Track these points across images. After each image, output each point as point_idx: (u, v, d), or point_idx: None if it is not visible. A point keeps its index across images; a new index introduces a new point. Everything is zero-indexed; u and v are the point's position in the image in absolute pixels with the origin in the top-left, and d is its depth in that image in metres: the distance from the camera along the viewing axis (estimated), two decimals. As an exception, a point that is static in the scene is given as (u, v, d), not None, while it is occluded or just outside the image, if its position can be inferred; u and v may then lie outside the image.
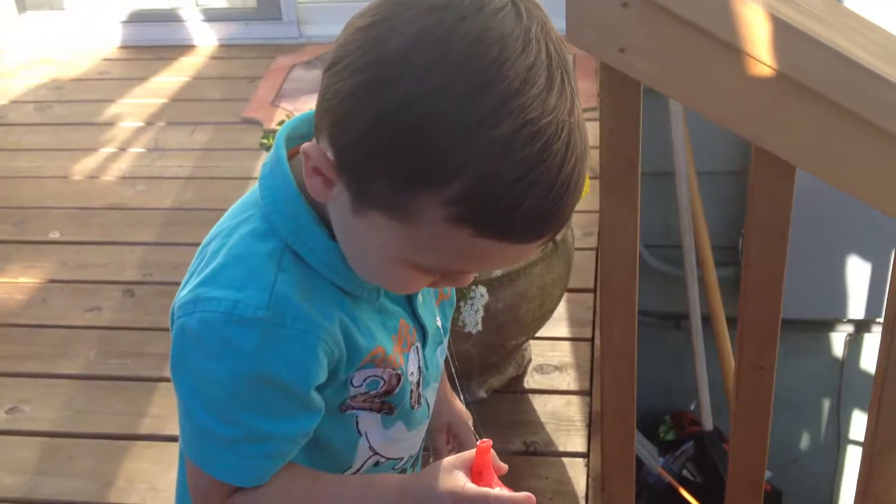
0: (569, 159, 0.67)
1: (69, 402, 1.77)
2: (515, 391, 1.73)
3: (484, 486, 0.78)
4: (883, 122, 1.03)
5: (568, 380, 1.75)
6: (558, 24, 1.00)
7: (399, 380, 0.86)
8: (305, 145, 0.74)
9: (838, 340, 2.76)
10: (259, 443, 0.79)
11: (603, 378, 1.34)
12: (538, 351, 1.81)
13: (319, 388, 0.81)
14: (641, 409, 1.54)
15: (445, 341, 0.95)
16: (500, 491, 0.78)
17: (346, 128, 0.69)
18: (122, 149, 2.62)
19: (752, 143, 1.10)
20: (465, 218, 0.67)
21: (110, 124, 2.75)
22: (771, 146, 1.07)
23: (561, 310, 1.82)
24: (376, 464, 0.91)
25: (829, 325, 2.73)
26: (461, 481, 0.78)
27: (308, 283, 0.78)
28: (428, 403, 0.94)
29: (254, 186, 0.82)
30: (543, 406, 1.70)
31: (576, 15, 1.04)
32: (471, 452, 0.81)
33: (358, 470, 0.90)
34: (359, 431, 0.87)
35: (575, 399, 1.71)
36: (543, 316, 1.66)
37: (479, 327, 1.49)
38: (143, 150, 2.62)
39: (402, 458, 0.94)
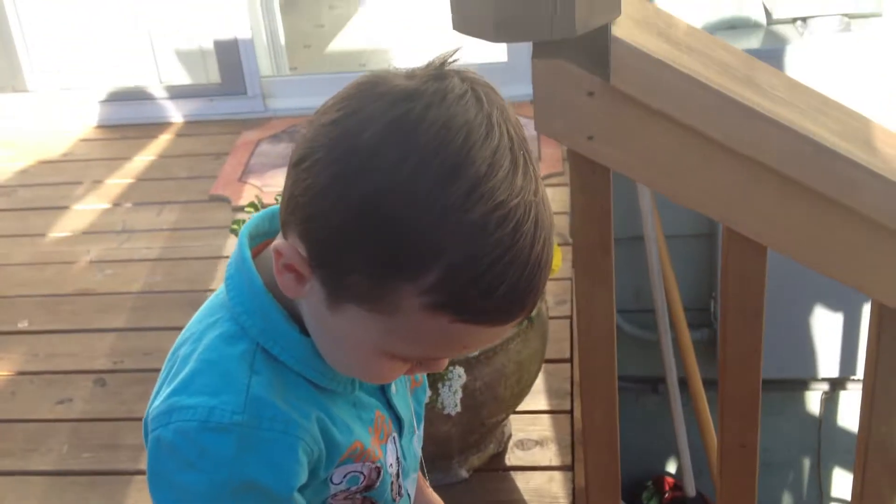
0: (538, 238, 0.69)
1: (44, 500, 1.73)
2: (497, 469, 1.72)
3: None
4: (848, 199, 1.04)
5: (549, 455, 1.74)
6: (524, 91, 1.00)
7: (379, 473, 0.85)
8: (276, 243, 0.74)
9: (814, 399, 2.77)
10: None
11: (586, 457, 1.33)
12: (518, 426, 1.80)
13: (300, 490, 0.79)
14: (623, 475, 1.53)
15: (419, 430, 0.94)
16: None
17: (321, 223, 0.70)
18: (90, 232, 2.60)
19: (723, 224, 1.11)
20: (444, 304, 0.68)
21: (76, 207, 2.73)
22: (741, 228, 1.09)
23: (539, 382, 1.81)
24: None
25: (804, 384, 2.74)
26: None
27: (282, 383, 0.77)
28: (409, 494, 0.93)
29: (219, 288, 0.82)
30: (526, 483, 1.68)
31: (543, 104, 1.05)
32: None
33: None
34: None
35: (557, 475, 1.70)
36: (522, 391, 1.65)
37: (458, 408, 1.48)
38: (111, 232, 2.60)
39: None
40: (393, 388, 0.88)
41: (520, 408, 1.71)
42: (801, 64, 2.34)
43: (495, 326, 0.71)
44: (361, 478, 0.84)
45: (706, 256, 2.63)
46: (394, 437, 0.88)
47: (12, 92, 3.34)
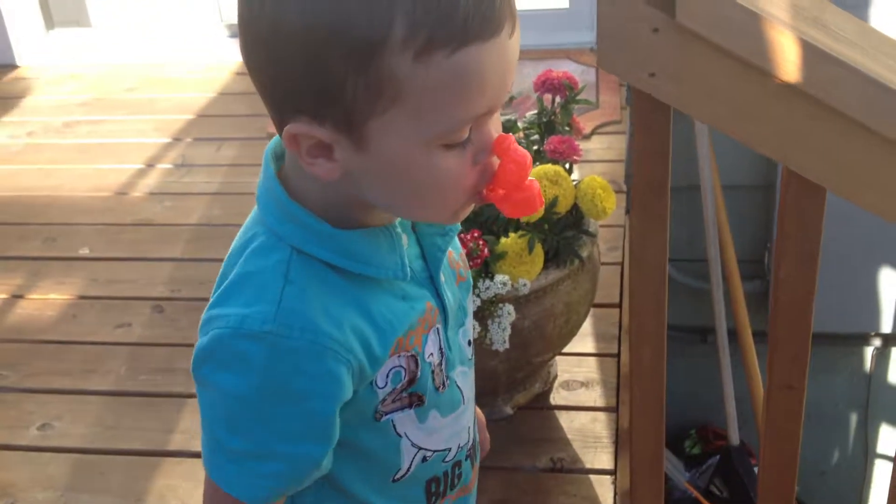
0: None
1: (100, 419, 1.79)
2: (542, 408, 1.74)
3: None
4: (914, 144, 1.03)
5: (594, 396, 1.76)
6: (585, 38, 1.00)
7: (417, 362, 0.85)
8: (285, 135, 0.75)
9: (865, 354, 2.75)
10: (265, 460, 0.80)
11: (633, 398, 1.34)
12: (564, 367, 1.81)
13: (348, 402, 0.81)
14: (668, 422, 1.54)
15: (468, 322, 0.95)
16: None
17: (289, 83, 0.72)
18: (150, 165, 2.66)
19: (782, 164, 1.10)
20: (428, 42, 0.68)
21: (138, 140, 2.78)
22: (800, 168, 1.08)
23: (587, 326, 1.82)
24: (423, 459, 0.91)
25: (857, 339, 2.72)
26: None
27: (319, 287, 0.78)
28: (458, 387, 0.93)
29: (254, 208, 0.84)
30: (570, 423, 1.70)
31: (607, 41, 1.04)
32: None
33: (408, 469, 0.90)
34: (398, 434, 0.87)
35: (601, 416, 1.71)
36: (570, 332, 1.66)
37: (506, 345, 1.50)
38: (170, 166, 2.65)
39: (449, 450, 0.93)
40: (442, 276, 0.88)
41: (567, 349, 1.73)
42: (878, 13, 2.29)
43: (492, 39, 0.70)
44: (403, 372, 0.84)
45: (762, 208, 2.60)
46: (437, 329, 0.88)
47: (76, 26, 3.39)
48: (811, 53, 0.99)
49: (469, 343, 0.96)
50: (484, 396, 1.63)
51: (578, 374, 1.81)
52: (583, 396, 1.76)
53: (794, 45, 0.99)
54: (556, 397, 1.76)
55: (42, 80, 3.19)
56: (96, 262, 2.25)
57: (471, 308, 0.97)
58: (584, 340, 1.85)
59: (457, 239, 0.95)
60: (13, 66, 3.26)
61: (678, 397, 2.40)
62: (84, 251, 2.29)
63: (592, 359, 1.85)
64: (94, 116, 2.94)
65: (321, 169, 0.75)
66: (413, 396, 0.86)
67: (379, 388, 0.83)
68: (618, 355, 1.84)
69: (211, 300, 0.80)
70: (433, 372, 0.88)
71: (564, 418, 1.72)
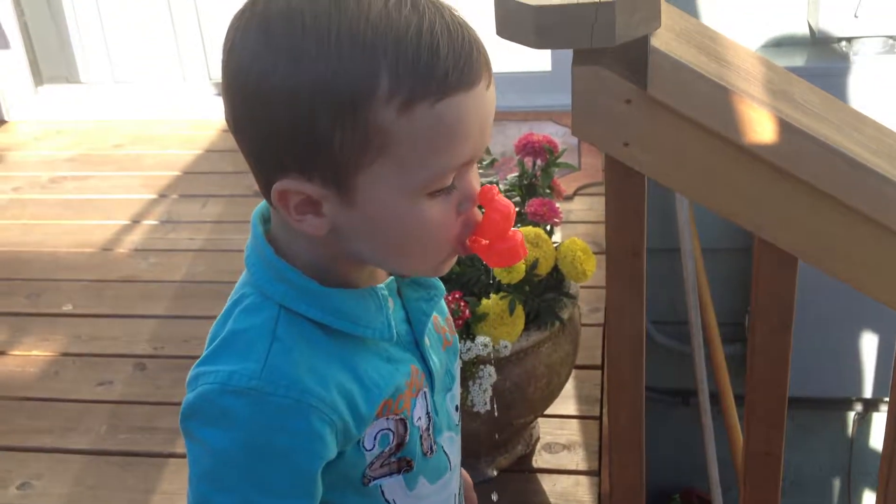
0: (439, 6, 0.74)
1: (80, 478, 1.77)
2: (524, 470, 1.74)
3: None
4: (880, 215, 1.05)
5: (576, 459, 1.76)
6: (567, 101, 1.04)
7: (405, 426, 0.86)
8: (274, 193, 0.76)
9: (847, 419, 2.76)
10: None
11: (612, 461, 1.35)
12: (546, 429, 1.82)
13: (336, 463, 0.81)
14: (651, 486, 1.54)
15: (454, 389, 0.96)
16: None
17: (276, 141, 0.74)
18: (136, 221, 2.67)
19: (755, 234, 1.12)
20: (410, 93, 0.72)
21: (124, 197, 2.80)
22: (772, 237, 1.10)
23: (569, 387, 1.83)
24: None
25: (838, 404, 2.73)
26: None
27: (306, 346, 0.79)
28: (445, 452, 0.93)
29: (244, 272, 0.85)
30: (552, 486, 1.70)
31: (581, 110, 1.07)
32: None
33: None
34: (386, 500, 0.87)
35: (584, 479, 1.71)
36: (551, 394, 1.67)
37: (487, 406, 1.50)
38: (155, 222, 2.66)
39: None
40: (427, 340, 0.89)
41: (549, 411, 1.73)
42: (845, 84, 2.34)
43: (471, 90, 0.74)
44: (392, 435, 0.85)
45: (743, 271, 2.62)
46: (424, 392, 0.89)
47: (65, 83, 3.42)
48: (778, 126, 1.02)
49: (456, 409, 0.97)
50: (466, 458, 1.61)
51: (561, 437, 1.81)
52: (565, 459, 1.76)
53: (762, 118, 1.02)
54: (539, 460, 1.76)
55: (29, 136, 3.21)
56: (80, 319, 2.25)
57: (458, 373, 0.98)
58: (566, 402, 1.85)
59: (443, 303, 0.96)
60: (2, 122, 3.29)
61: (661, 460, 2.40)
62: (68, 307, 2.29)
63: (575, 421, 1.85)
64: (80, 172, 2.96)
65: (309, 225, 0.77)
66: (402, 461, 0.87)
67: (367, 450, 0.84)
68: (600, 417, 1.85)
69: (200, 358, 0.81)
70: (421, 437, 0.88)
71: (547, 481, 1.71)
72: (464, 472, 1.05)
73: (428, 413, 0.89)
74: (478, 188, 0.80)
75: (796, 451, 1.28)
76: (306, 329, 0.80)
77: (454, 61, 0.72)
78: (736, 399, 2.39)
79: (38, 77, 3.35)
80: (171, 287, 2.35)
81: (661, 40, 1.04)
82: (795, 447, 1.23)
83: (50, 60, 3.38)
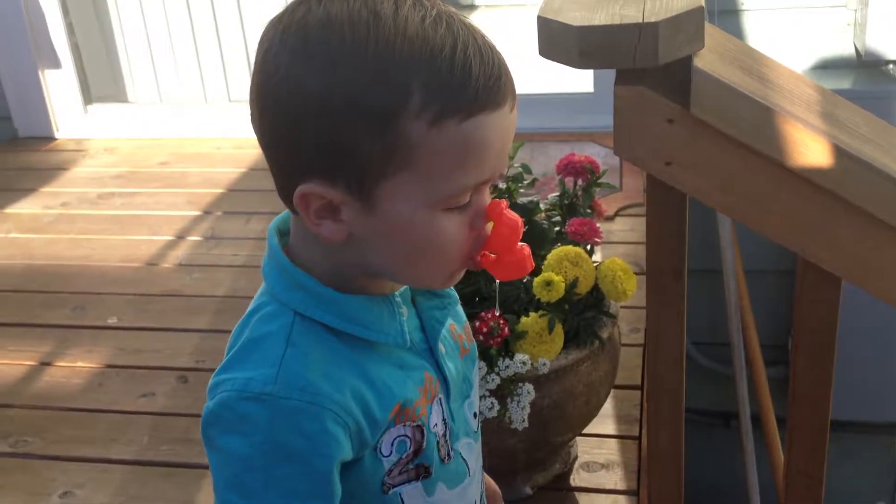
0: (472, 29, 0.77)
1: (122, 488, 1.79)
2: (561, 489, 1.73)
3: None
4: (927, 237, 1.05)
5: (615, 479, 1.75)
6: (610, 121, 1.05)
7: (422, 432, 0.87)
8: (297, 195, 0.78)
9: (892, 444, 2.71)
10: None
11: (650, 481, 1.34)
12: (585, 448, 1.81)
13: (353, 468, 0.83)
14: (690, 508, 1.53)
15: (472, 396, 0.97)
16: None
17: (304, 145, 0.76)
18: (180, 237, 2.71)
19: (798, 254, 1.12)
20: (441, 109, 0.74)
21: (169, 213, 2.84)
22: (816, 258, 1.09)
23: (608, 407, 1.82)
24: None
25: (883, 428, 2.68)
26: None
27: (320, 351, 0.81)
28: (463, 459, 0.94)
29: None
30: (589, 505, 1.69)
31: (623, 129, 1.08)
32: None
33: None
34: None
35: (622, 499, 1.70)
36: (590, 413, 1.66)
37: (525, 424, 1.50)
38: (199, 238, 2.70)
39: None
40: (441, 347, 0.91)
41: (587, 430, 1.72)
42: (891, 107, 2.32)
43: (497, 111, 0.76)
44: (409, 442, 0.86)
45: (786, 293, 2.60)
46: (440, 399, 0.90)
47: (114, 102, 3.49)
48: (824, 147, 1.02)
49: (475, 415, 0.97)
50: (503, 476, 1.62)
51: (599, 456, 1.80)
52: (603, 479, 1.75)
53: (807, 139, 1.02)
54: (577, 479, 1.75)
55: (79, 153, 3.28)
56: (124, 332, 2.28)
57: (476, 380, 0.99)
58: (605, 422, 1.84)
59: (461, 311, 0.98)
60: (52, 139, 3.36)
61: (702, 484, 2.38)
62: (112, 320, 2.33)
63: (614, 440, 1.84)
64: (127, 189, 3.01)
65: (327, 230, 0.79)
66: (420, 468, 0.88)
67: (384, 456, 0.85)
68: (639, 437, 1.83)
69: (219, 366, 0.83)
70: (438, 443, 0.89)
71: (584, 500, 1.70)
72: (493, 483, 1.06)
73: (444, 420, 0.91)
74: (488, 204, 0.83)
75: (838, 475, 1.26)
76: (321, 335, 0.82)
77: (484, 81, 0.75)
78: (778, 422, 2.37)
79: (88, 96, 3.42)
80: (214, 302, 2.38)
81: (705, 61, 1.04)
82: (837, 470, 1.21)
83: (99, 80, 3.45)
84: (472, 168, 0.78)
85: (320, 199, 0.78)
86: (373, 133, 0.74)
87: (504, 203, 0.83)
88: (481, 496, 1.00)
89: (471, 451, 0.96)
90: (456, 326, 0.96)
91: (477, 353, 1.00)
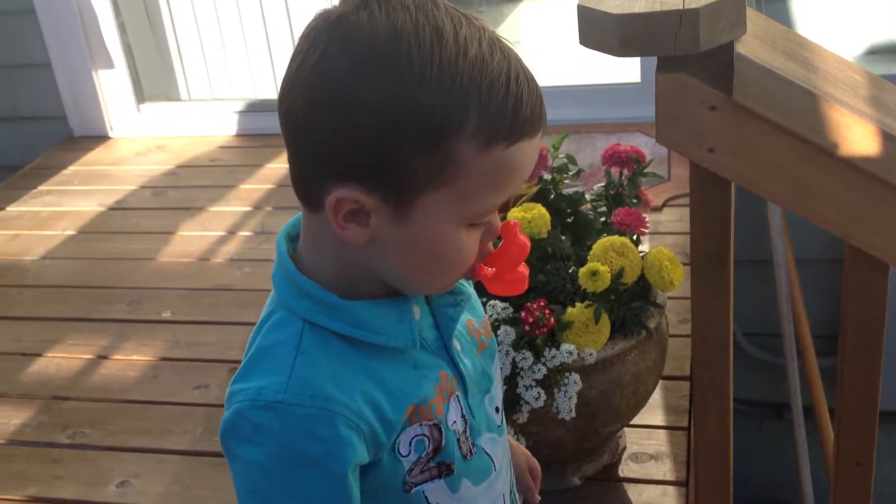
0: (516, 55, 0.80)
1: (176, 478, 1.83)
2: (610, 479, 1.73)
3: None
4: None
5: (664, 469, 1.74)
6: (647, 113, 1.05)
7: (440, 430, 0.88)
8: (332, 198, 0.78)
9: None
10: None
11: (697, 471, 1.34)
12: (633, 439, 1.81)
13: (372, 471, 0.84)
14: (739, 500, 1.52)
15: (494, 390, 0.97)
16: None
17: (351, 151, 0.77)
18: (231, 232, 2.75)
19: (845, 241, 1.11)
20: (494, 134, 0.76)
21: (220, 209, 2.89)
22: (864, 245, 1.08)
23: (656, 397, 1.82)
24: None
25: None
26: None
27: (329, 359, 0.82)
28: (487, 454, 0.94)
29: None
30: (638, 496, 1.69)
31: (665, 116, 1.07)
32: None
33: None
34: None
35: (671, 489, 1.70)
36: (638, 403, 1.66)
37: (573, 414, 1.51)
38: (250, 233, 2.74)
39: None
40: (457, 344, 0.91)
41: (636, 421, 1.72)
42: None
43: (532, 138, 0.80)
44: (427, 441, 0.87)
45: (838, 282, 2.56)
46: (457, 396, 0.90)
47: (166, 101, 3.55)
48: (870, 132, 1.01)
49: (497, 410, 0.98)
50: (551, 466, 1.63)
51: (648, 447, 1.80)
52: (652, 469, 1.75)
53: (852, 124, 1.01)
54: (625, 469, 1.75)
55: (132, 151, 3.34)
56: (178, 325, 2.33)
57: (498, 375, 1.00)
58: (653, 412, 1.84)
59: (479, 306, 0.99)
60: (106, 138, 3.43)
61: (754, 475, 2.36)
62: (167, 314, 2.37)
63: (662, 431, 1.84)
64: (179, 185, 3.06)
65: (351, 233, 0.80)
66: (441, 466, 0.89)
67: (403, 456, 0.86)
68: (688, 428, 1.83)
69: (234, 375, 0.85)
70: (458, 440, 0.90)
71: (633, 491, 1.70)
72: (533, 460, 1.07)
73: (463, 416, 0.91)
74: (503, 224, 0.87)
75: (889, 465, 1.24)
76: (330, 341, 0.83)
77: (531, 110, 0.78)
78: (831, 412, 2.33)
79: (140, 95, 3.48)
80: (264, 296, 2.35)
81: (747, 46, 1.04)
82: (888, 461, 1.20)
83: (151, 79, 3.51)
84: (505, 189, 0.81)
85: (354, 203, 0.79)
86: (425, 149, 0.76)
87: (519, 224, 0.88)
88: (511, 490, 1.01)
89: (495, 445, 0.96)
90: (474, 322, 0.97)
91: (496, 348, 1.01)
